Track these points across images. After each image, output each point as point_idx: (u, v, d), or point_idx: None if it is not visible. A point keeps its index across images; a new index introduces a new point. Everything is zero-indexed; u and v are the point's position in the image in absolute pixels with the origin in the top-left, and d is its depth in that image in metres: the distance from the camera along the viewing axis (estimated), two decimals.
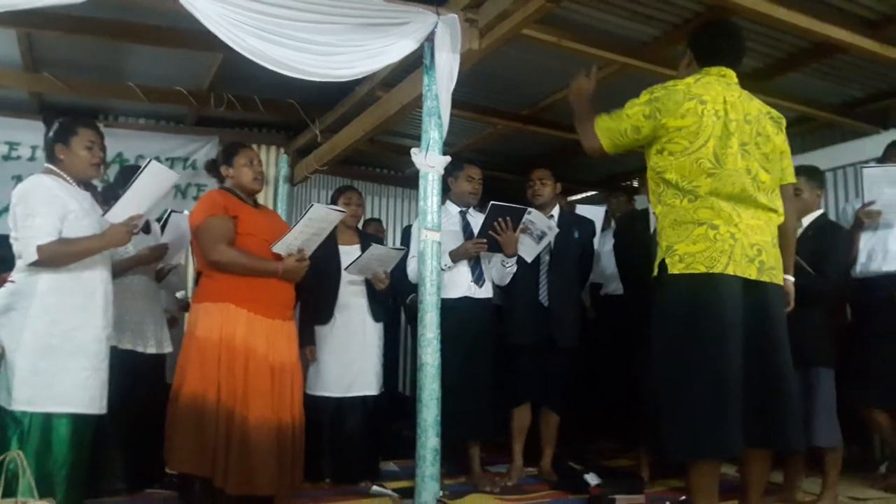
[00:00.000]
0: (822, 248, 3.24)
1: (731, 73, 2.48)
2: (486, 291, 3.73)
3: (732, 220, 2.28)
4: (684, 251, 2.29)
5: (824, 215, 3.46)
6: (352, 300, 3.74)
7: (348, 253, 3.69)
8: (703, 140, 2.29)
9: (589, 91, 2.64)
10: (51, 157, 2.76)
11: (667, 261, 2.33)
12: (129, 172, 3.57)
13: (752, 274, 2.28)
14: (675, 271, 2.30)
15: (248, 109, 5.25)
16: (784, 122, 2.54)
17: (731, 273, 2.25)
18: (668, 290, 2.33)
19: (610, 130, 2.44)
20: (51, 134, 2.76)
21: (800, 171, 3.45)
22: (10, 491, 2.33)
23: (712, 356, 2.20)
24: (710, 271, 2.25)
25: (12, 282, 2.63)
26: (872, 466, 4.12)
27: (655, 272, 2.40)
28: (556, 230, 3.68)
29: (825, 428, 3.16)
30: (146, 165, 2.68)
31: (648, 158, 2.45)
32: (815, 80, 4.42)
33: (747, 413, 2.19)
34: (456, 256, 3.64)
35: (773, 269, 2.34)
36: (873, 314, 3.65)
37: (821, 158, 5.07)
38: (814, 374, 3.20)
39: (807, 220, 3.38)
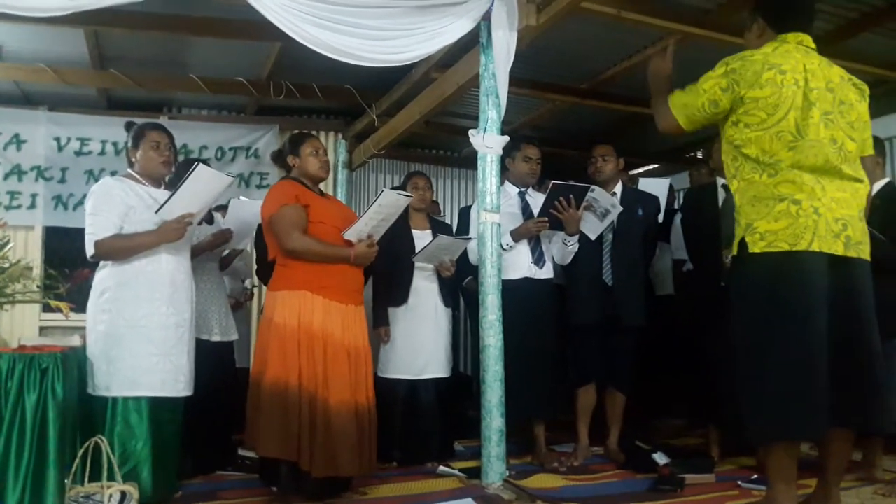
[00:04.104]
0: (892, 217, 3.11)
1: (809, 39, 2.37)
2: (546, 272, 3.69)
3: (815, 194, 2.18)
4: (765, 229, 2.21)
5: (890, 183, 3.32)
6: (424, 284, 3.77)
7: (421, 237, 3.73)
8: (783, 111, 2.20)
9: (666, 70, 2.56)
10: (129, 161, 3.00)
11: (747, 239, 2.25)
12: (189, 165, 3.68)
13: (838, 250, 2.19)
14: (757, 250, 2.22)
15: (307, 96, 5.32)
16: (867, 90, 2.43)
17: (816, 250, 2.16)
18: (749, 269, 2.25)
19: (686, 107, 2.35)
20: (128, 142, 3.00)
21: None
22: (96, 475, 2.46)
23: (798, 337, 2.13)
24: (794, 249, 2.16)
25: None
26: None
27: (735, 251, 2.32)
28: (620, 208, 3.60)
29: None
30: (193, 168, 2.79)
31: (723, 130, 2.37)
32: (891, 40, 4.20)
33: (834, 394, 2.12)
34: (517, 235, 3.62)
35: (860, 244, 2.24)
36: None
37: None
38: (892, 346, 3.07)
39: (872, 190, 3.23)
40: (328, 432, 2.76)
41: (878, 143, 3.33)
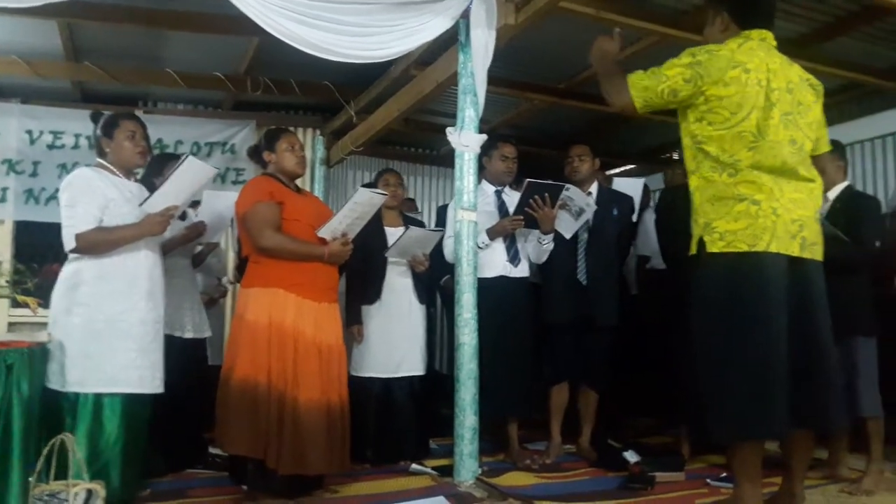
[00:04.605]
0: (853, 219, 3.16)
1: (771, 36, 2.36)
2: (521, 271, 3.71)
3: (774, 195, 2.19)
4: (725, 229, 2.21)
5: (850, 187, 3.38)
6: (398, 281, 3.76)
7: (393, 234, 3.71)
8: (746, 111, 2.20)
9: (613, 51, 2.53)
10: (100, 151, 2.91)
11: (705, 239, 2.25)
12: (161, 160, 3.64)
13: (794, 251, 2.21)
14: (715, 250, 2.22)
15: (284, 92, 5.28)
16: (822, 89, 2.43)
17: (774, 251, 2.17)
18: (707, 269, 2.25)
19: (645, 90, 2.30)
20: (98, 130, 2.90)
21: None
22: (63, 473, 2.42)
23: (757, 338, 2.14)
24: (753, 249, 2.17)
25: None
26: None
27: (694, 250, 2.31)
28: (595, 207, 3.63)
29: (867, 397, 3.12)
30: (183, 160, 2.75)
31: (686, 125, 2.35)
32: (864, 44, 4.25)
33: (792, 394, 2.14)
34: (493, 234, 3.63)
35: (815, 245, 2.27)
36: None
37: (870, 125, 4.92)
38: (855, 343, 3.15)
39: (833, 194, 3.30)
40: (296, 430, 2.74)
41: (838, 146, 3.40)
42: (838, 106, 5.11)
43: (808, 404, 2.19)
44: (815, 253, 2.28)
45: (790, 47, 4.11)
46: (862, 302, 3.21)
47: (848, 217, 3.16)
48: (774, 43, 2.37)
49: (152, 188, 3.44)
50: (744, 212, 2.20)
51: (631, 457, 3.46)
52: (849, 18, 3.93)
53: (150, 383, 2.78)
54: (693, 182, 2.34)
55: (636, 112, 2.37)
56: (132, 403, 2.74)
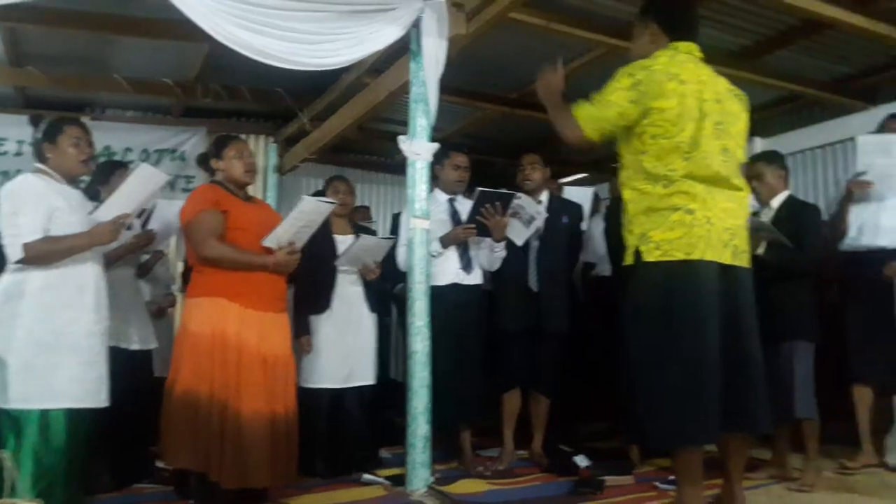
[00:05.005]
0: (797, 227, 3.26)
1: (696, 48, 2.41)
2: (474, 278, 3.72)
3: (707, 204, 2.24)
4: (660, 238, 2.24)
5: (792, 196, 3.49)
6: (348, 290, 3.72)
7: (343, 243, 3.67)
8: (684, 122, 2.24)
9: (558, 84, 2.53)
10: (40, 156, 2.78)
11: (641, 249, 2.28)
12: (107, 168, 3.56)
13: (726, 259, 2.26)
14: (652, 259, 2.25)
15: (236, 99, 5.23)
16: (748, 101, 2.50)
17: (709, 259, 2.22)
18: (644, 278, 2.28)
19: (595, 119, 2.32)
20: (38, 134, 2.78)
21: (760, 156, 3.51)
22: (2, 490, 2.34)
23: (692, 344, 2.18)
24: (689, 258, 2.21)
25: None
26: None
27: (630, 260, 2.34)
28: (545, 215, 3.68)
29: (802, 399, 3.23)
30: (135, 167, 2.68)
31: (625, 139, 2.37)
32: (804, 57, 4.41)
33: (721, 399, 2.19)
34: (446, 242, 3.63)
35: (745, 253, 2.34)
36: (861, 289, 3.65)
37: (809, 136, 5.10)
38: (793, 347, 3.26)
39: (776, 203, 3.41)
40: (239, 443, 2.69)
41: (778, 156, 3.52)
42: (779, 117, 5.29)
43: (736, 408, 2.24)
44: (744, 260, 2.34)
45: (732, 59, 4.26)
46: (803, 307, 3.32)
47: (791, 225, 3.25)
48: (700, 55, 2.42)
49: (97, 197, 3.37)
50: (678, 221, 2.24)
51: (581, 461, 3.49)
52: (789, 32, 4.08)
53: (95, 397, 2.68)
54: (626, 194, 2.37)
55: (591, 143, 2.38)
56: (77, 418, 2.63)
